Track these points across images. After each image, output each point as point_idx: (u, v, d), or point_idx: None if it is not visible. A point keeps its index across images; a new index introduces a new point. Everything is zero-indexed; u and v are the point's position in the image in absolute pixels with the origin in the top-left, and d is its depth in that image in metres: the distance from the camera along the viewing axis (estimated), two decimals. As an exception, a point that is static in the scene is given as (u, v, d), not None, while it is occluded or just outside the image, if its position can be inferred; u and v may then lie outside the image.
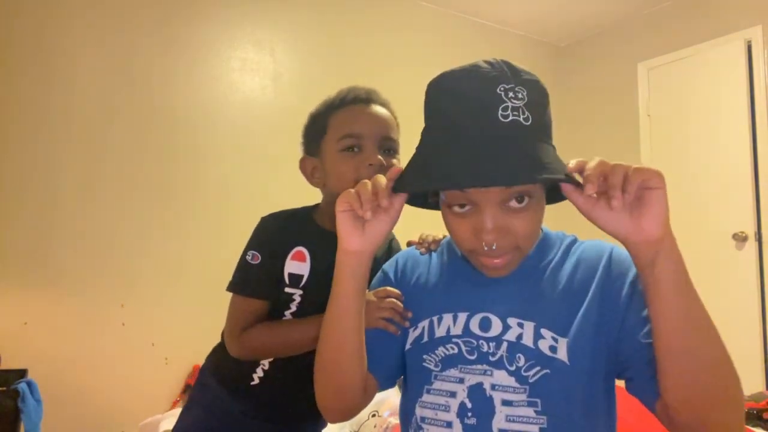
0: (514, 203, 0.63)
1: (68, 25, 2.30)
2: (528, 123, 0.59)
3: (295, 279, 0.91)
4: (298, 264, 0.91)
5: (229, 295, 0.93)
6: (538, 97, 0.62)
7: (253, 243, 0.92)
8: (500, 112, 0.59)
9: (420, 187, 0.63)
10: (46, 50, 2.25)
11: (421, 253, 0.86)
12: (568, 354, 0.66)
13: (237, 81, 2.69)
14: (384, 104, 0.95)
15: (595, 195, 0.54)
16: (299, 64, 2.88)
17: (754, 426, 2.04)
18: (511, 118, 0.59)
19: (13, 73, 2.18)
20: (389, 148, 0.92)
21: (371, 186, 0.63)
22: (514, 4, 3.41)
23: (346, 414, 0.77)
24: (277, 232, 0.93)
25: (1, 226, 2.14)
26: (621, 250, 0.72)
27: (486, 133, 0.59)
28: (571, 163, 0.57)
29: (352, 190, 0.64)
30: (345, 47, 3.03)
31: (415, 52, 3.28)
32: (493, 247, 0.63)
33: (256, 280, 0.90)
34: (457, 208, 0.65)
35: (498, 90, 0.60)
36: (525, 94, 0.61)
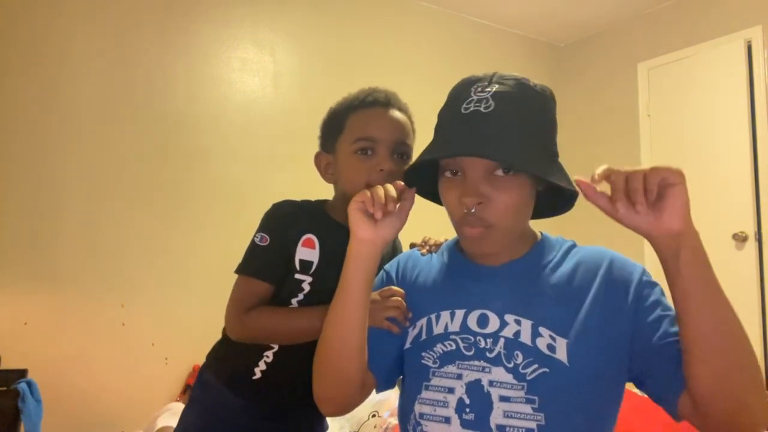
0: (499, 172, 0.68)
1: (70, 28, 2.30)
2: (488, 110, 0.67)
3: (305, 265, 0.92)
4: (308, 251, 0.92)
5: (230, 291, 0.93)
6: (512, 90, 0.68)
7: (263, 226, 0.93)
8: (463, 105, 0.69)
9: (408, 170, 0.76)
10: (48, 52, 2.25)
11: (422, 254, 0.87)
12: (568, 355, 0.66)
13: (237, 81, 2.69)
14: (402, 109, 0.97)
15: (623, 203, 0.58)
16: (299, 64, 2.88)
17: (754, 426, 2.03)
18: (472, 108, 0.68)
19: (15, 77, 2.18)
20: (402, 153, 0.93)
21: (383, 192, 0.69)
22: (514, 4, 3.41)
23: (342, 407, 0.78)
24: (289, 218, 0.94)
25: (2, 226, 2.14)
26: (621, 257, 0.74)
27: (451, 122, 0.70)
28: (600, 170, 0.59)
29: (368, 192, 0.70)
30: (345, 47, 3.03)
31: (415, 51, 3.28)
32: (472, 211, 0.67)
33: (262, 261, 0.91)
34: (448, 174, 0.71)
35: (471, 89, 0.70)
36: (495, 88, 0.68)
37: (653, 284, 0.70)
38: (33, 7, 2.23)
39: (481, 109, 0.67)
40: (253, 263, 0.92)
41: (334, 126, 0.96)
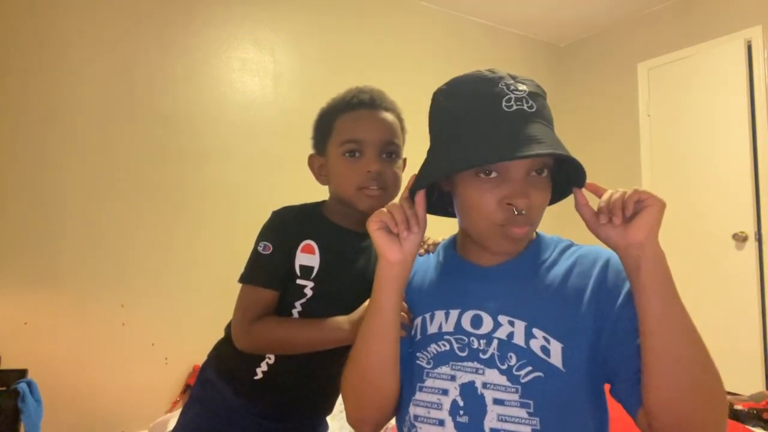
0: (534, 173, 0.68)
1: (70, 29, 2.30)
2: (532, 110, 0.66)
3: (306, 271, 0.92)
4: (308, 256, 0.92)
5: (230, 291, 0.94)
6: (537, 91, 0.69)
7: (265, 234, 0.93)
8: (504, 102, 0.66)
9: (445, 170, 0.68)
10: (49, 53, 2.25)
11: (420, 254, 0.87)
12: (563, 360, 0.66)
13: (237, 81, 2.69)
14: (389, 108, 0.96)
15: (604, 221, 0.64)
16: (299, 64, 2.89)
17: (754, 426, 2.04)
18: (515, 107, 0.65)
19: (15, 77, 2.18)
20: (391, 152, 0.93)
21: (399, 209, 0.70)
22: (514, 4, 3.41)
23: (379, 425, 0.77)
24: (288, 225, 0.94)
25: (2, 227, 2.14)
26: (618, 259, 0.73)
27: (492, 121, 0.65)
28: (591, 183, 0.68)
29: (385, 210, 0.70)
30: (345, 47, 3.03)
31: (415, 51, 3.28)
32: (523, 212, 0.66)
33: (266, 270, 0.91)
34: (482, 175, 0.68)
35: (500, 86, 0.67)
36: (525, 87, 0.68)
37: None
38: (34, 9, 2.23)
39: (525, 108, 0.66)
40: (258, 272, 0.91)
41: (323, 128, 0.97)
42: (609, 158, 3.65)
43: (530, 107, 0.66)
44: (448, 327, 0.72)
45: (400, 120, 0.98)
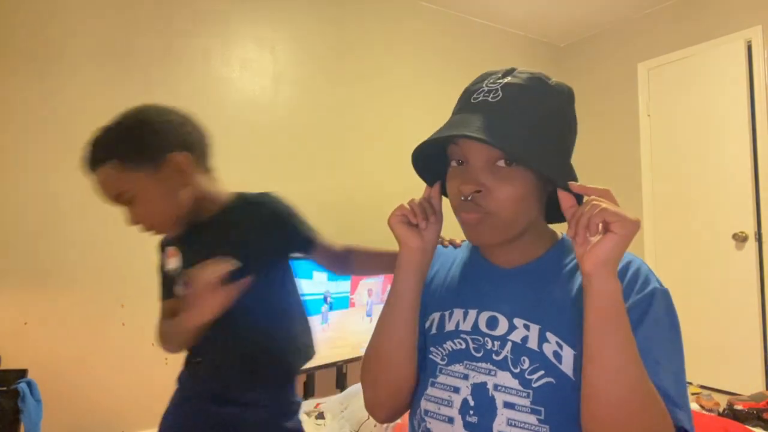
0: (501, 163, 0.66)
1: (69, 28, 2.30)
2: (496, 99, 0.66)
3: (177, 272, 1.05)
4: (173, 260, 1.07)
5: None
6: (524, 83, 0.68)
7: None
8: (473, 96, 0.69)
9: (415, 153, 0.73)
10: (48, 51, 2.25)
11: (444, 246, 0.88)
12: (574, 368, 0.64)
13: (237, 81, 2.69)
14: (95, 165, 0.98)
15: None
16: (299, 64, 2.88)
17: (754, 426, 2.04)
18: (480, 98, 0.67)
19: (15, 77, 2.18)
20: (124, 201, 1.00)
21: (420, 203, 0.73)
22: (514, 4, 3.41)
23: (397, 413, 0.78)
24: (160, 244, 1.10)
25: (2, 227, 2.14)
26: (645, 269, 0.70)
27: (459, 111, 0.70)
28: (576, 184, 0.62)
29: (406, 205, 0.73)
30: (345, 47, 3.03)
31: (414, 51, 3.28)
32: (469, 198, 0.66)
33: (160, 284, 1.09)
34: (454, 163, 0.71)
35: (484, 81, 0.70)
36: (508, 80, 0.68)
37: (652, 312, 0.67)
38: (33, 9, 2.23)
39: (489, 98, 0.67)
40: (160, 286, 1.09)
41: None
42: (609, 158, 3.65)
43: (495, 97, 0.66)
44: (466, 326, 0.73)
45: (116, 155, 0.97)
